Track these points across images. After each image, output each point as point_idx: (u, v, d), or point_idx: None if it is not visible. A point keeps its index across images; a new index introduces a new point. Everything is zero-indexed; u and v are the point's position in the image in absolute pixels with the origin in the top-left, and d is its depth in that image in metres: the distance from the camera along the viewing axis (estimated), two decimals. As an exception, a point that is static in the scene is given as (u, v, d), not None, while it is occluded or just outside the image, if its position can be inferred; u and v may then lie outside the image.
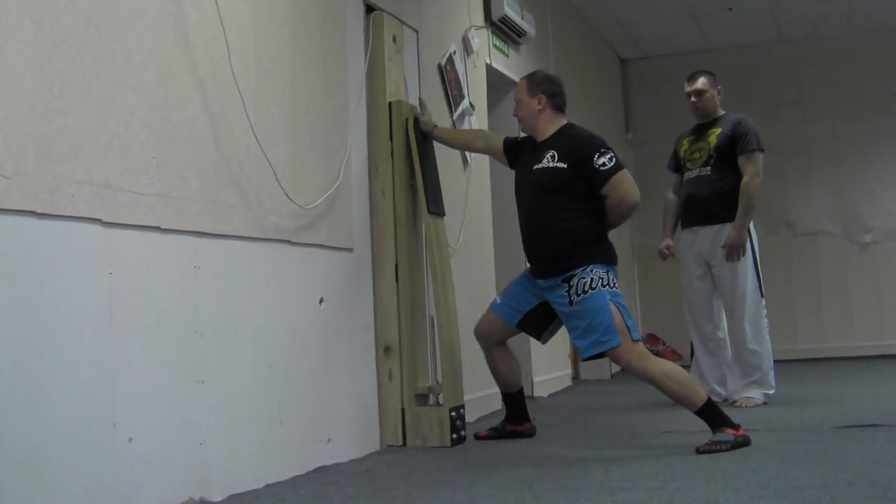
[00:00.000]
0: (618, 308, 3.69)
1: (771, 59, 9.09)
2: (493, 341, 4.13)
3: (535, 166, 3.90)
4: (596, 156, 3.77)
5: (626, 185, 3.78)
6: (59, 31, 2.52)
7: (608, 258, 3.81)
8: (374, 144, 4.20)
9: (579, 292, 3.72)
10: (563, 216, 3.81)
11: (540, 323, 4.05)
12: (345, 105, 3.98)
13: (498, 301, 4.13)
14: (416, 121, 4.29)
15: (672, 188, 5.36)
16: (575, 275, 3.73)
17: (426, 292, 4.31)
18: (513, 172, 4.14)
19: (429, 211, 4.21)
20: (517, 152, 4.12)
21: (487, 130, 5.26)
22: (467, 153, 5.21)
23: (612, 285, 3.74)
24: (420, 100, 4.50)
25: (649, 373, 3.67)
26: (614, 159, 3.78)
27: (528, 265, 4.03)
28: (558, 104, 3.99)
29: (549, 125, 3.96)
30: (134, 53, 2.78)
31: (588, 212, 3.82)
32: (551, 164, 3.84)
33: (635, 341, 3.69)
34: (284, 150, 3.51)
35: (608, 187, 3.77)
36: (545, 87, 3.98)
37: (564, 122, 3.99)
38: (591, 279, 3.71)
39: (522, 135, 4.21)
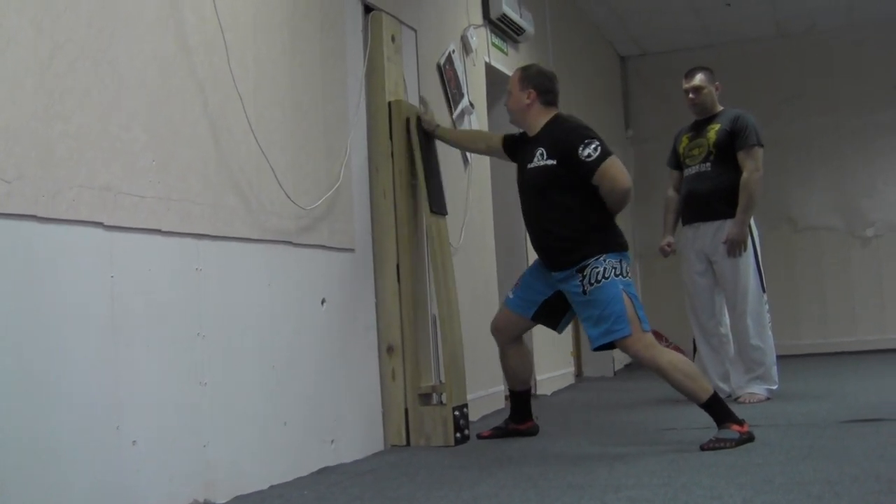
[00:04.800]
0: (629, 298, 3.70)
1: (771, 53, 9.08)
2: (508, 338, 4.13)
3: (529, 165, 3.91)
4: (580, 148, 3.75)
5: (612, 172, 3.74)
6: (60, 35, 2.51)
7: (619, 245, 3.82)
8: (374, 144, 4.20)
9: (592, 281, 3.72)
10: (565, 209, 3.80)
11: (554, 314, 4.04)
12: (344, 105, 3.98)
13: (510, 296, 4.13)
14: (419, 120, 4.28)
15: (672, 185, 5.35)
16: (588, 264, 3.74)
17: (428, 292, 4.31)
18: (513, 170, 4.14)
19: (431, 210, 4.21)
20: (517, 149, 4.11)
21: (487, 131, 5.26)
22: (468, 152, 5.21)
23: (624, 274, 3.75)
24: (422, 98, 4.49)
25: (658, 363, 3.67)
26: (599, 148, 3.75)
27: (539, 257, 4.01)
28: (549, 101, 3.97)
29: (538, 119, 3.95)
30: (134, 57, 2.78)
31: (589, 200, 3.80)
32: (541, 163, 3.84)
33: (645, 331, 3.70)
34: (284, 152, 3.51)
35: (597, 177, 3.74)
36: (537, 81, 3.97)
37: (554, 114, 3.97)
38: (605, 269, 3.72)
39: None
